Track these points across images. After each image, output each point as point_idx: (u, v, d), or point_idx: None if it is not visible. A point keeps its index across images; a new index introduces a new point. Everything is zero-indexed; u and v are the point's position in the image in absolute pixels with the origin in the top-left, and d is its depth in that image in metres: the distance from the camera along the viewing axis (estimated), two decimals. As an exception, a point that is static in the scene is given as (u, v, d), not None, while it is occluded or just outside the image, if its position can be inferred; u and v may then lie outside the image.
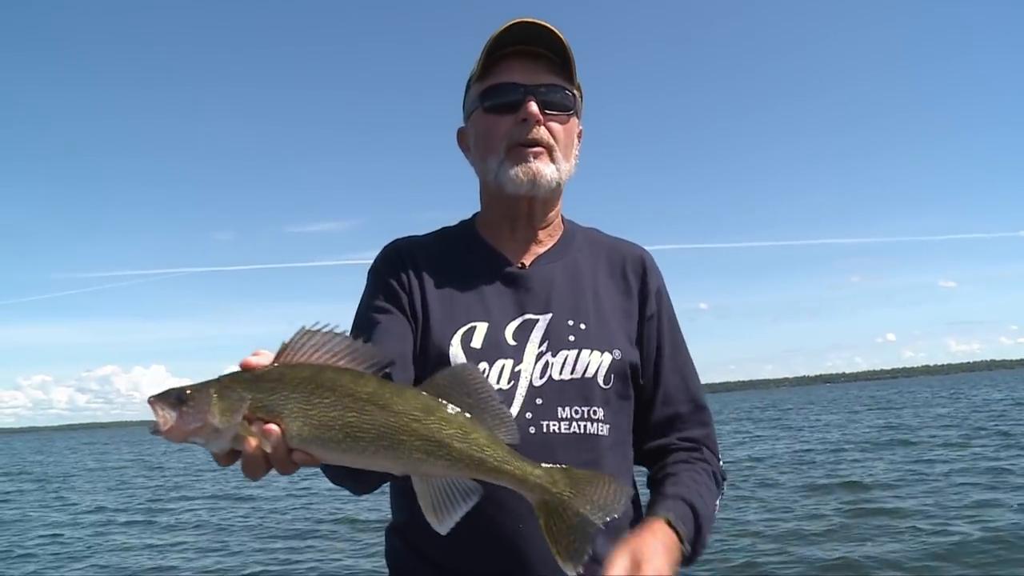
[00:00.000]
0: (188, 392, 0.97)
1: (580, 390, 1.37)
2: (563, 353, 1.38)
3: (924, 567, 6.74)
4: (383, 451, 0.97)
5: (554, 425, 1.33)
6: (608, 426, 1.39)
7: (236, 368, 1.01)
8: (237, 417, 0.96)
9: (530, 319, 1.42)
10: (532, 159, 1.40)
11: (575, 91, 1.47)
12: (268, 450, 0.96)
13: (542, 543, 1.25)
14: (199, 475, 22.17)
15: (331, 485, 1.33)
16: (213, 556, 9.53)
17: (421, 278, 1.45)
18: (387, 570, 1.49)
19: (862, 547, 7.56)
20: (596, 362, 1.39)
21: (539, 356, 1.38)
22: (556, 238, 1.54)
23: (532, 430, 1.31)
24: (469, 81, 1.49)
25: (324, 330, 0.99)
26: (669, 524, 1.25)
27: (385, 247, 1.54)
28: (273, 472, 1.01)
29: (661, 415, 1.48)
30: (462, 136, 1.56)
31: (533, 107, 1.39)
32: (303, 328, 0.99)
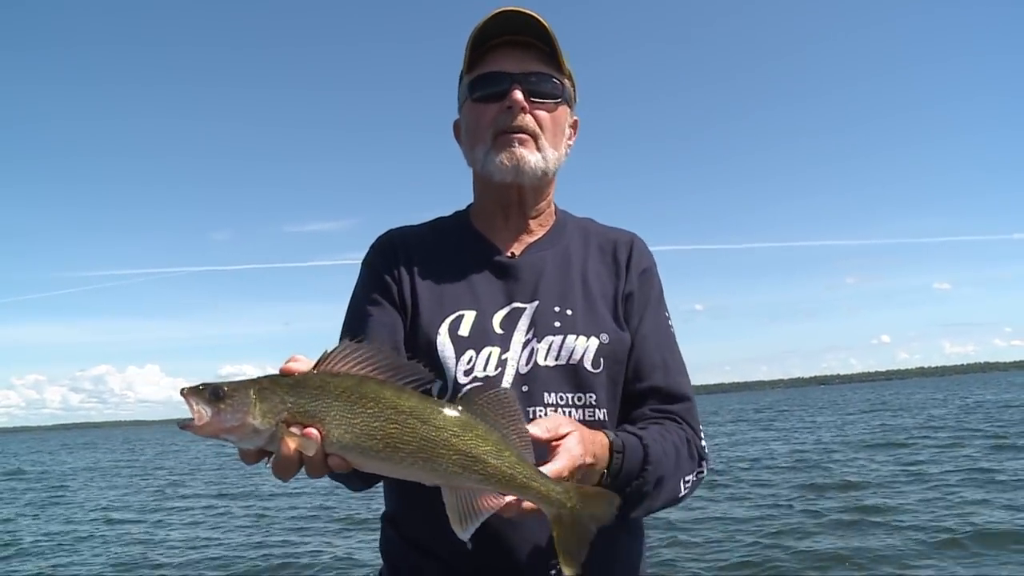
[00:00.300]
0: (226, 389, 1.00)
1: (567, 376, 1.38)
2: (548, 339, 1.40)
3: (916, 564, 6.83)
4: (420, 463, 1.03)
5: (540, 411, 1.35)
6: (603, 411, 1.40)
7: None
8: (277, 420, 1.00)
9: (518, 307, 1.43)
10: (516, 145, 1.41)
11: (564, 80, 1.47)
12: (310, 454, 1.00)
13: (531, 533, 1.32)
14: (193, 474, 22.17)
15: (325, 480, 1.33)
16: (211, 551, 9.58)
17: (412, 268, 1.47)
18: (381, 562, 1.51)
19: (855, 545, 7.64)
20: (582, 347, 1.40)
21: (525, 343, 1.39)
22: (548, 227, 1.56)
23: None
24: (461, 73, 1.51)
25: (367, 343, 1.05)
26: (608, 437, 1.25)
27: (379, 238, 1.56)
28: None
29: (636, 389, 1.46)
30: (457, 128, 1.58)
31: (518, 94, 1.40)
32: (345, 341, 1.05)
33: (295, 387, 1.01)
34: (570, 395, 1.38)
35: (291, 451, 0.99)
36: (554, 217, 1.58)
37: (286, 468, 1.02)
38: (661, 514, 9.96)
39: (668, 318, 1.56)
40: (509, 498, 1.08)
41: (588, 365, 1.39)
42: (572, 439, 1.14)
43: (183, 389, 1.00)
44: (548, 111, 1.45)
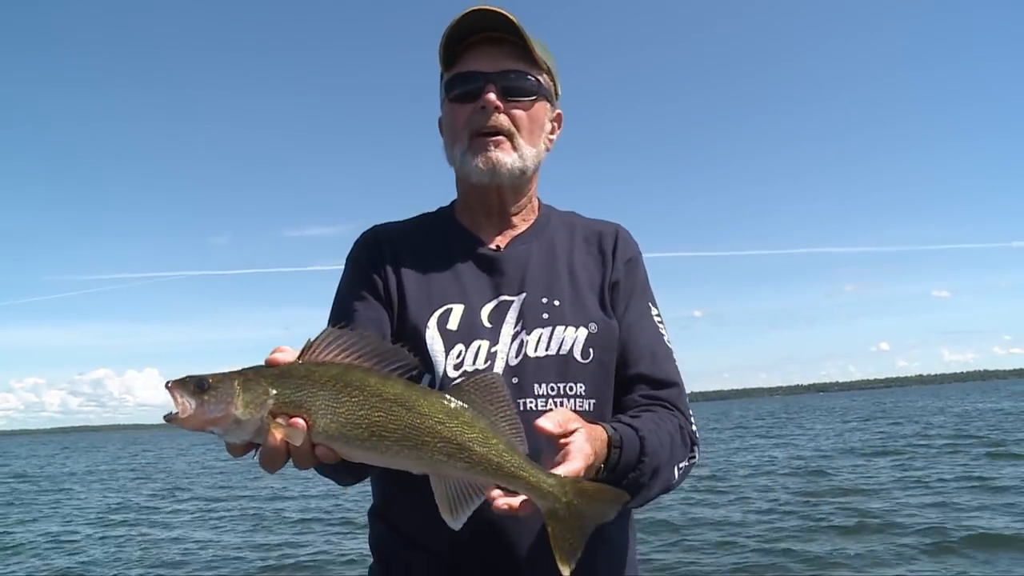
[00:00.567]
0: (210, 381, 0.99)
1: (557, 366, 1.38)
2: (537, 331, 1.40)
3: (915, 568, 6.87)
4: (406, 451, 1.02)
5: (531, 403, 1.34)
6: (593, 401, 1.40)
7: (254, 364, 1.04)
8: (262, 411, 0.99)
9: (505, 300, 1.43)
10: (492, 148, 1.41)
11: (540, 75, 1.46)
12: (297, 444, 0.99)
13: (524, 526, 1.31)
14: (191, 476, 22.17)
15: (313, 476, 1.37)
16: (206, 553, 9.60)
17: (397, 263, 1.47)
18: (371, 557, 1.50)
19: (854, 551, 7.68)
20: (571, 337, 1.40)
21: (514, 336, 1.39)
22: (532, 221, 1.56)
23: None
24: (442, 74, 1.51)
25: (350, 330, 1.04)
26: (606, 432, 1.23)
27: (363, 233, 1.56)
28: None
29: (624, 375, 1.45)
30: (441, 125, 1.56)
31: (491, 95, 1.39)
32: (329, 328, 1.04)
33: (280, 377, 1.00)
34: (560, 385, 1.37)
35: (278, 442, 0.99)
36: (538, 211, 1.59)
37: (273, 459, 1.02)
38: (661, 517, 10.03)
39: (655, 306, 1.56)
40: (507, 499, 1.07)
41: (578, 355, 1.39)
42: (580, 437, 1.12)
43: (168, 382, 0.99)
44: (524, 109, 1.44)
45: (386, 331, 1.41)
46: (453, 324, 1.39)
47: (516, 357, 1.37)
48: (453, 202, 1.60)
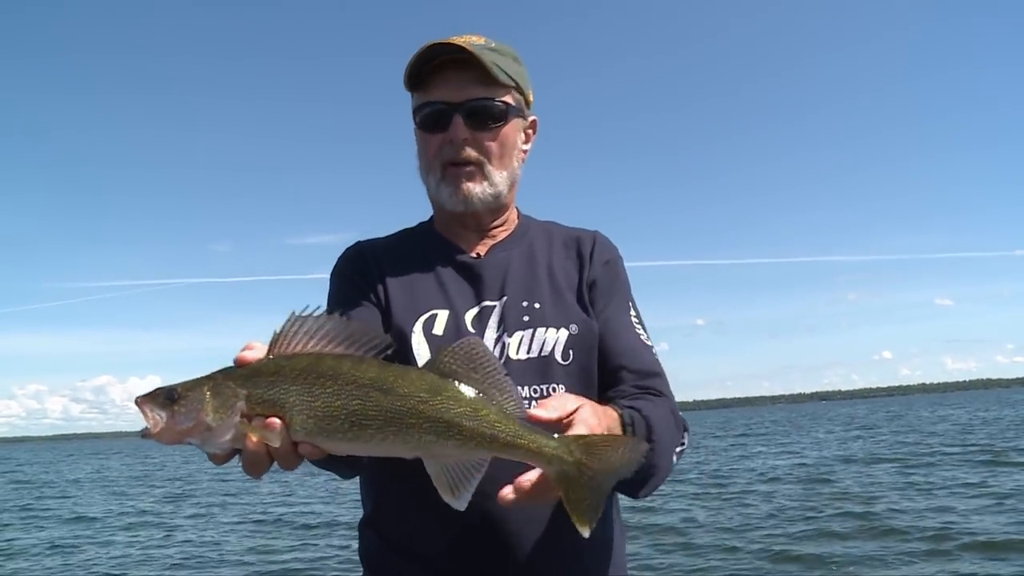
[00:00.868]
0: (179, 391, 0.94)
1: (538, 368, 1.39)
2: (518, 334, 1.40)
3: (916, 573, 6.96)
4: (392, 437, 0.95)
5: None
6: None
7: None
8: (234, 414, 0.94)
9: (487, 306, 1.44)
10: (463, 179, 1.43)
11: (507, 95, 1.45)
12: (275, 445, 0.94)
13: (523, 532, 1.30)
14: (190, 480, 22.23)
15: (310, 481, 1.35)
16: (202, 556, 9.71)
17: (382, 273, 1.48)
18: (361, 569, 1.49)
19: (856, 556, 7.76)
20: (552, 339, 1.41)
21: (496, 340, 1.40)
22: (511, 230, 1.58)
23: None
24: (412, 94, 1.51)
25: (316, 314, 0.97)
26: (621, 419, 1.23)
27: (346, 249, 1.58)
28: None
29: (607, 369, 1.45)
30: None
31: (459, 130, 1.40)
32: (293, 314, 0.97)
33: (250, 377, 0.95)
34: (543, 387, 1.38)
35: (255, 445, 0.94)
36: (517, 220, 1.61)
37: (255, 464, 0.97)
38: (663, 521, 10.07)
39: (634, 307, 1.55)
40: (514, 487, 1.00)
41: (559, 357, 1.40)
42: (585, 411, 1.09)
43: (137, 397, 0.95)
44: (493, 136, 1.44)
45: (381, 329, 1.41)
46: (439, 329, 1.41)
47: (499, 360, 1.35)
48: (432, 216, 1.63)
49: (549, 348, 1.40)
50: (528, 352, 1.39)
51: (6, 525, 14.20)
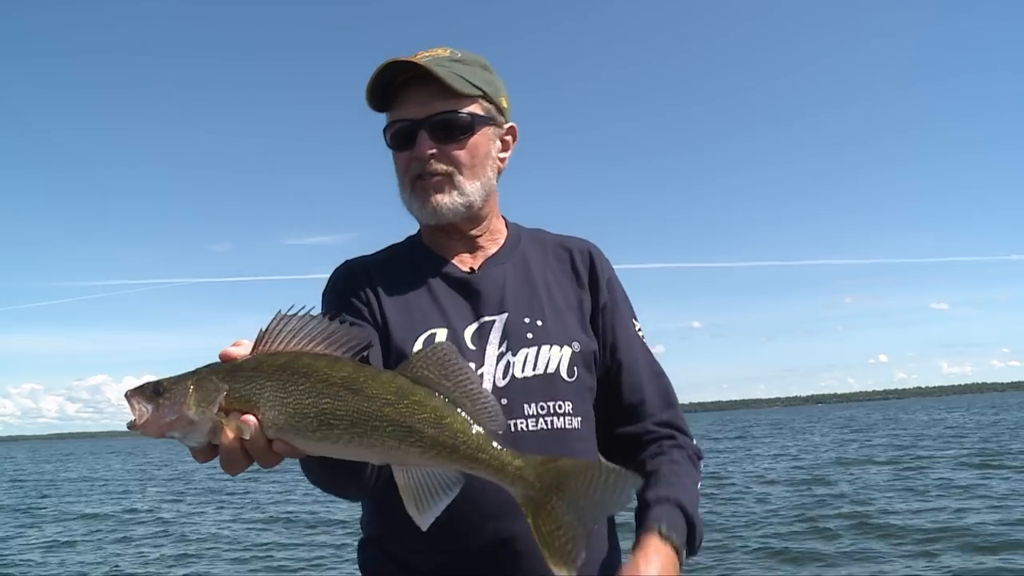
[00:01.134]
0: (164, 385, 0.96)
1: (544, 386, 1.38)
2: (523, 351, 1.39)
3: (910, 572, 7.11)
4: (358, 439, 0.94)
5: (522, 423, 1.34)
6: (579, 419, 1.41)
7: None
8: (213, 408, 0.94)
9: (487, 321, 1.42)
10: (431, 192, 1.42)
11: (473, 105, 1.43)
12: (246, 437, 0.94)
13: (533, 553, 1.17)
14: (189, 483, 22.27)
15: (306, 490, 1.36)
16: (203, 551, 9.81)
17: (376, 291, 1.46)
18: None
19: (851, 556, 7.89)
20: (557, 357, 1.40)
21: (500, 357, 1.39)
22: (501, 241, 1.56)
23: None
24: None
25: (301, 314, 0.98)
26: (661, 535, 1.27)
27: (336, 268, 1.54)
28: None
29: (627, 400, 1.49)
30: None
31: (423, 145, 1.40)
32: (279, 313, 0.97)
33: (231, 372, 0.96)
34: (549, 404, 1.38)
35: (231, 439, 0.94)
36: (506, 230, 1.59)
37: (232, 460, 0.97)
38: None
39: (636, 320, 1.59)
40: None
41: (564, 374, 1.40)
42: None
43: (127, 391, 0.97)
44: (461, 147, 1.42)
45: (378, 348, 1.39)
46: None
47: (504, 378, 1.37)
48: (420, 230, 1.60)
49: (555, 365, 1.40)
50: (534, 369, 1.39)
51: (3, 524, 14.25)
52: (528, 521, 0.96)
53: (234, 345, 0.99)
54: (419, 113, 1.40)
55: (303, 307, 0.98)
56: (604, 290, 1.54)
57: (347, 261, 1.56)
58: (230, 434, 0.94)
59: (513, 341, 1.40)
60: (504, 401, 1.34)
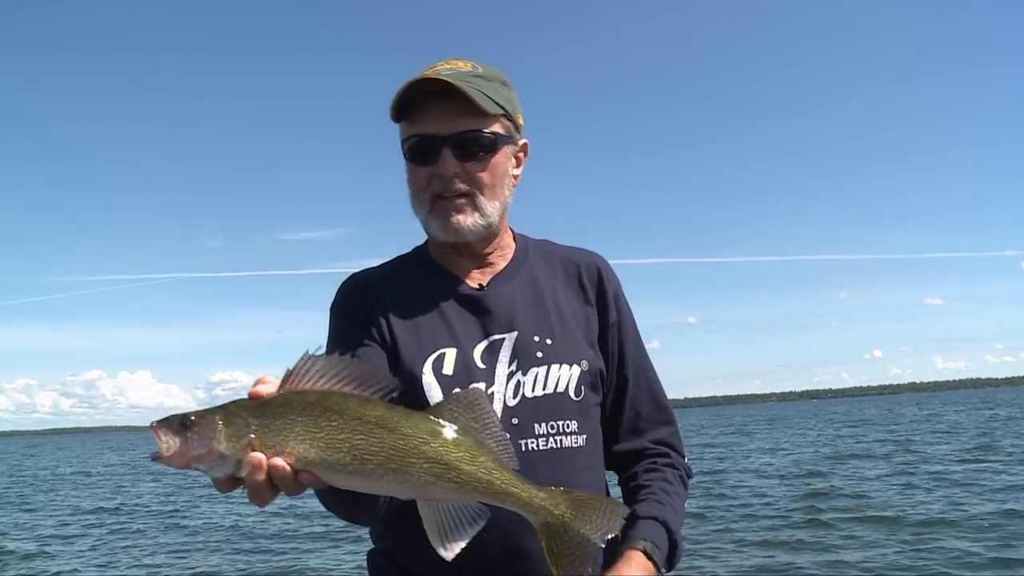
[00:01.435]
0: (192, 418, 0.99)
1: (553, 405, 1.39)
2: (533, 371, 1.40)
3: (908, 569, 7.17)
4: (391, 473, 0.99)
5: (532, 443, 1.35)
6: (584, 436, 1.42)
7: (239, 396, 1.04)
8: (243, 443, 0.98)
9: (496, 340, 1.42)
10: (453, 212, 1.40)
11: (496, 124, 1.42)
12: (284, 471, 0.98)
13: (536, 563, 1.28)
14: (184, 480, 22.30)
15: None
16: (202, 550, 9.85)
17: (384, 308, 1.45)
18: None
19: (841, 552, 7.97)
20: (566, 376, 1.41)
21: (510, 376, 1.39)
22: (509, 257, 1.55)
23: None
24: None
25: (328, 354, 1.02)
26: (646, 554, 1.32)
27: (343, 283, 1.53)
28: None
29: (628, 417, 1.52)
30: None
31: (447, 164, 1.38)
32: (307, 353, 1.02)
33: (260, 408, 1.00)
34: (558, 423, 1.39)
35: (260, 474, 0.98)
36: (514, 244, 1.58)
37: (259, 492, 1.00)
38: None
39: (641, 338, 1.61)
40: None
41: (571, 393, 1.41)
42: None
43: (153, 423, 1.00)
44: (483, 167, 1.41)
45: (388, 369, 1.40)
46: (448, 369, 1.39)
47: (514, 398, 1.38)
48: (427, 241, 1.58)
49: (563, 385, 1.41)
50: (544, 389, 1.40)
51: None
52: (542, 544, 1.08)
53: (260, 383, 1.02)
54: (443, 129, 1.38)
55: (327, 348, 1.03)
56: (612, 307, 1.54)
57: (354, 276, 1.54)
58: (262, 469, 0.97)
59: (523, 360, 1.41)
60: (515, 421, 1.36)
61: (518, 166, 1.52)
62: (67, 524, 13.17)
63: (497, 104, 1.40)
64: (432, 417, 1.03)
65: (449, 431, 1.03)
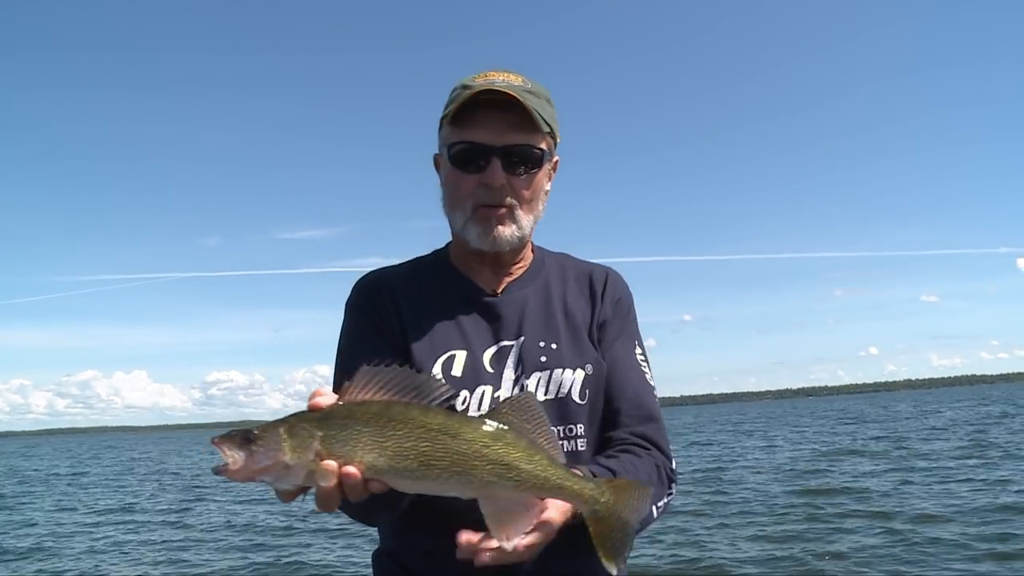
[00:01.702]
0: (256, 432, 1.03)
1: (558, 409, 1.41)
2: (536, 375, 1.42)
3: (906, 567, 7.21)
4: (456, 476, 1.05)
5: None
6: (586, 440, 1.44)
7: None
8: (309, 454, 1.02)
9: (505, 345, 1.45)
10: (494, 223, 1.43)
11: (544, 141, 1.45)
12: (356, 479, 1.01)
13: (540, 566, 1.22)
14: (183, 479, 22.25)
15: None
16: (201, 549, 9.83)
17: (398, 308, 1.47)
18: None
19: (844, 549, 8.01)
20: (569, 380, 1.43)
21: (515, 381, 1.42)
22: (527, 266, 1.58)
23: None
24: (443, 119, 1.48)
25: (385, 367, 1.07)
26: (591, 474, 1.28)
27: (359, 280, 1.56)
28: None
29: (608, 409, 1.49)
30: (438, 162, 1.55)
31: (497, 175, 1.40)
32: (365, 366, 1.07)
33: (323, 419, 1.04)
34: (561, 428, 1.41)
35: (331, 482, 1.01)
36: (532, 255, 1.61)
37: (329, 500, 1.04)
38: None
39: (640, 347, 1.59)
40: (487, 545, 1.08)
41: (575, 397, 1.43)
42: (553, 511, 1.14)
43: (214, 439, 1.03)
44: (528, 182, 1.44)
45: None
46: (457, 370, 1.41)
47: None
48: (448, 244, 1.61)
49: (567, 389, 1.43)
50: (546, 393, 1.42)
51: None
52: (590, 530, 1.14)
53: (316, 395, 1.07)
54: (496, 140, 1.40)
55: (389, 361, 1.07)
56: (609, 307, 1.56)
57: (370, 275, 1.57)
58: (335, 476, 1.01)
59: (527, 365, 1.44)
60: None
61: (549, 181, 1.55)
62: (64, 524, 13.13)
63: (546, 122, 1.42)
64: (489, 421, 1.09)
65: (507, 434, 1.09)
